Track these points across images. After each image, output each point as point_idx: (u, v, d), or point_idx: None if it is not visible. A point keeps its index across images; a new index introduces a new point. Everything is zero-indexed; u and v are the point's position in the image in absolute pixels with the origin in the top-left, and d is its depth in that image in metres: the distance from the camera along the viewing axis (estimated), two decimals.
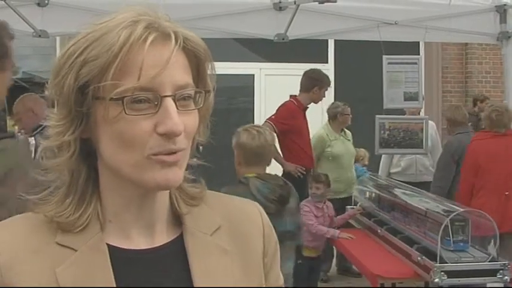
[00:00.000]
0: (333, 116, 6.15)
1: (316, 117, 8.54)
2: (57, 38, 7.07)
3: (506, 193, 4.69)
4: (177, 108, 0.87)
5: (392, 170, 6.24)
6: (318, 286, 5.21)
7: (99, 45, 0.86)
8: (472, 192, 4.89)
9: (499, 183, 4.74)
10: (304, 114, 5.46)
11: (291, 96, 5.55)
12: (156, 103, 0.86)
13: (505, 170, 4.77)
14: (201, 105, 0.92)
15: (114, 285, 0.89)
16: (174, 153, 0.88)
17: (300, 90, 5.51)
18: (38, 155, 0.94)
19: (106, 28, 0.87)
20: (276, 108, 5.48)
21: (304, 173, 5.21)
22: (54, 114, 0.91)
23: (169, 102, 0.87)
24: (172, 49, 0.88)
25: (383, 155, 6.16)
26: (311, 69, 5.66)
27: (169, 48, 0.88)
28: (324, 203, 4.99)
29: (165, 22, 0.89)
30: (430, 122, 5.84)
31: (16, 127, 7.91)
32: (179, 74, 0.89)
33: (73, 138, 0.90)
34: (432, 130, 6.00)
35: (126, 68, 0.85)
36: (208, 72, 0.95)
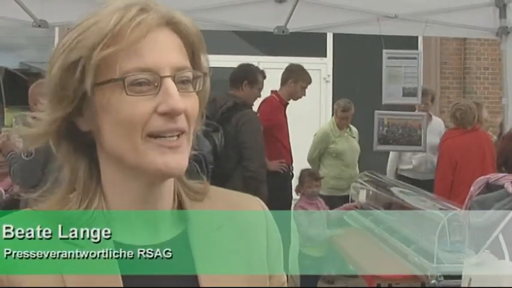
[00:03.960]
0: (336, 113, 6.05)
1: (314, 117, 8.57)
2: (56, 28, 7.05)
3: None
4: (178, 90, 0.87)
5: (403, 167, 6.12)
6: (319, 286, 5.19)
7: (91, 29, 0.86)
8: (450, 190, 4.96)
9: (475, 177, 4.86)
10: (285, 110, 5.29)
11: (272, 91, 5.36)
12: (156, 84, 0.86)
13: (480, 164, 4.98)
14: (200, 89, 0.92)
15: (121, 283, 0.88)
16: (176, 137, 0.88)
17: (280, 85, 5.34)
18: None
19: (99, 15, 0.87)
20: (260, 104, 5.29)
21: (287, 168, 5.11)
22: (45, 100, 0.91)
23: (170, 83, 0.87)
24: (167, 32, 0.88)
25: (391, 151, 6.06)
26: (291, 63, 5.50)
27: (164, 30, 0.88)
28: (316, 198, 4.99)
29: (158, 6, 0.89)
30: (438, 119, 5.81)
31: (13, 119, 7.91)
32: (176, 56, 0.89)
33: (60, 117, 0.89)
34: (441, 128, 5.87)
35: (123, 50, 0.85)
36: (202, 56, 0.95)
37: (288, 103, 5.28)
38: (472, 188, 2.90)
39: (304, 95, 5.33)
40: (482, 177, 2.96)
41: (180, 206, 0.97)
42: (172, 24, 0.90)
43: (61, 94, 0.88)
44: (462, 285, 2.33)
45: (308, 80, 5.30)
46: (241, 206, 1.03)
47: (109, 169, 0.92)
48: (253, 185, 4.18)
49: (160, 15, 0.88)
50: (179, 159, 0.88)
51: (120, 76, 0.85)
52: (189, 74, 0.90)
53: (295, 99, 5.30)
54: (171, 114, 0.86)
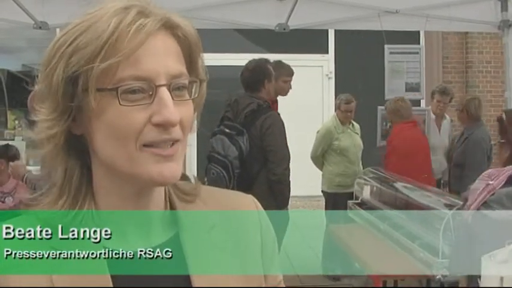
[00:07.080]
0: (339, 107, 6.04)
1: (317, 114, 8.56)
2: (57, 30, 7.04)
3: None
4: (173, 99, 0.85)
5: None
6: (329, 284, 5.18)
7: (89, 33, 0.83)
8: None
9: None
10: (275, 106, 5.00)
11: None
12: (150, 93, 0.84)
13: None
14: (196, 96, 0.90)
15: (110, 283, 0.87)
16: (170, 145, 0.86)
17: None
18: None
19: (97, 17, 0.85)
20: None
21: None
22: (44, 108, 0.88)
23: (165, 92, 0.84)
24: (165, 37, 0.86)
25: None
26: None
27: (162, 35, 0.86)
28: None
29: (156, 9, 0.87)
30: (449, 119, 5.74)
31: (16, 121, 7.92)
32: (173, 62, 0.86)
33: (60, 131, 0.87)
34: (450, 126, 5.78)
35: (118, 56, 0.83)
36: (200, 61, 0.92)
37: (276, 99, 5.16)
38: (491, 182, 2.84)
39: (290, 87, 5.09)
40: (503, 169, 2.91)
41: (172, 208, 0.96)
42: (170, 28, 0.87)
43: (64, 105, 0.86)
44: (485, 285, 2.25)
45: (286, 73, 5.07)
46: (234, 206, 1.01)
47: (101, 173, 0.90)
48: (278, 188, 4.17)
49: (158, 19, 0.86)
50: (173, 167, 0.87)
51: (114, 85, 0.83)
52: (185, 82, 0.88)
53: (283, 94, 5.06)
54: (165, 126, 0.85)
